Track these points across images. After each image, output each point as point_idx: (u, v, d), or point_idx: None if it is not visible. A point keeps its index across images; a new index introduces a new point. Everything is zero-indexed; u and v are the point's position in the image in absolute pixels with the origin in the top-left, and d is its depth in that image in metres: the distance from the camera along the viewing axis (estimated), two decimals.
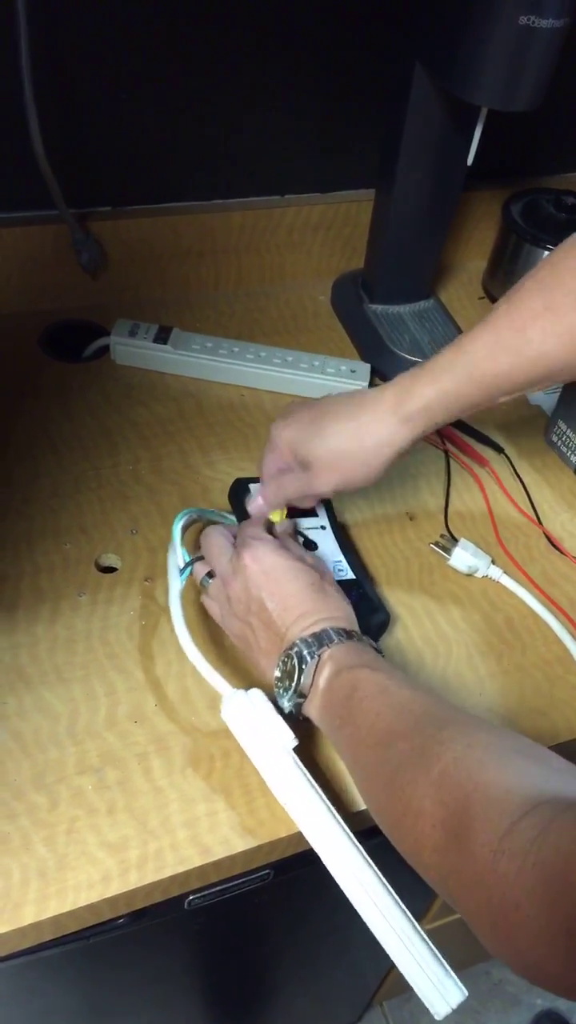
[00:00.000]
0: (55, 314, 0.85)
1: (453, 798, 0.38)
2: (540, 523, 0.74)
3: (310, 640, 0.50)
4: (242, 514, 0.66)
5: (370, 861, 0.46)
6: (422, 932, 0.43)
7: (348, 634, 0.51)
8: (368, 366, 0.83)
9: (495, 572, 0.68)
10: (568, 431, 0.79)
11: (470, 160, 0.75)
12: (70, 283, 0.85)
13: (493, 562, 0.69)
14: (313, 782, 0.49)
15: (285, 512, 0.64)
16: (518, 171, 1.00)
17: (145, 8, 0.71)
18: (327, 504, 0.68)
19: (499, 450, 0.79)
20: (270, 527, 0.62)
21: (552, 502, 0.77)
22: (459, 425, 0.80)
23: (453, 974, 0.43)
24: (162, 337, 0.81)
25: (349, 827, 0.48)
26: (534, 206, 0.94)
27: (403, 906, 0.44)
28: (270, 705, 0.52)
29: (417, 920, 0.45)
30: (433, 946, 0.43)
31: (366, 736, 0.45)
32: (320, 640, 0.50)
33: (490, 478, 0.77)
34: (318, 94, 0.83)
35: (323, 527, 0.66)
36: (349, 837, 0.47)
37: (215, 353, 0.81)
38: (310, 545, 0.65)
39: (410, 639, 0.64)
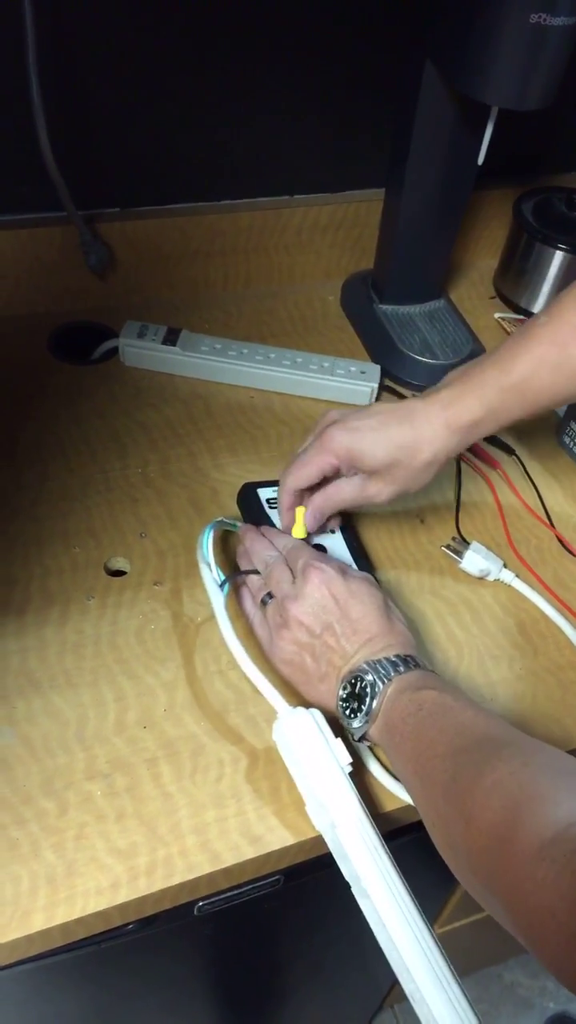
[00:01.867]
0: (63, 316, 0.85)
1: (503, 806, 0.39)
2: (552, 525, 0.73)
3: (378, 666, 0.51)
4: (253, 520, 0.65)
5: (415, 899, 0.46)
6: (457, 976, 0.43)
7: (415, 661, 0.52)
8: (378, 367, 0.83)
9: (507, 575, 0.68)
10: None
11: (481, 159, 0.75)
12: (78, 285, 0.84)
13: (505, 565, 0.68)
14: (366, 808, 0.49)
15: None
16: (529, 170, 0.99)
17: (153, 9, 0.71)
18: None
19: (510, 452, 0.79)
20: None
21: (564, 504, 0.76)
22: None
23: (480, 1020, 0.42)
24: (171, 339, 0.80)
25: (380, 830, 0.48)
26: (546, 205, 0.93)
27: (442, 948, 0.44)
28: (328, 726, 0.52)
29: (429, 924, 0.45)
30: (466, 990, 0.43)
31: (426, 750, 0.46)
32: (389, 667, 0.51)
33: (501, 480, 0.77)
34: (327, 94, 0.82)
35: (333, 531, 0.66)
36: (398, 872, 0.47)
37: (224, 355, 0.81)
38: (320, 549, 0.64)
39: (420, 643, 0.63)
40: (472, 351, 0.86)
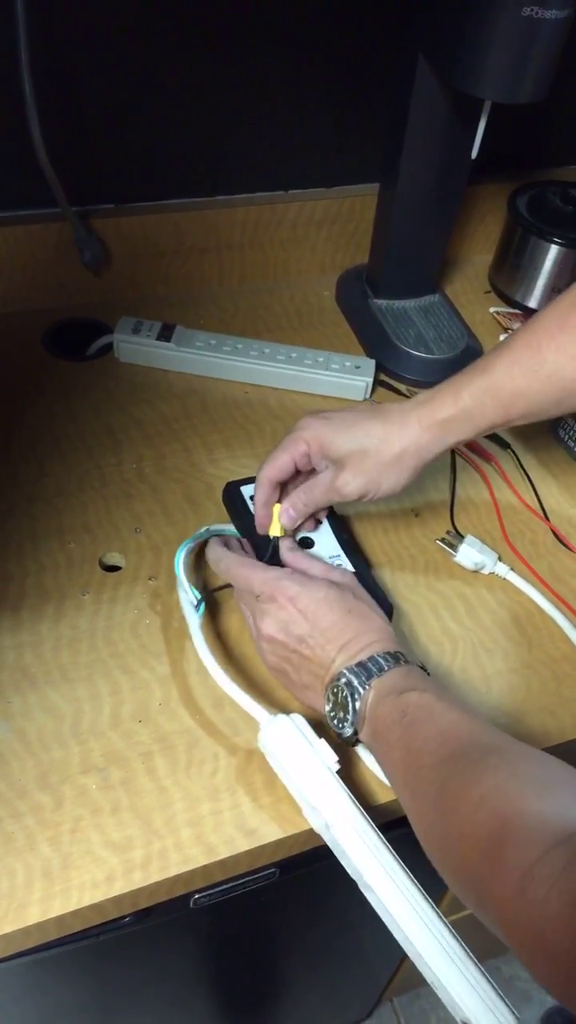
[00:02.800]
0: (58, 312, 0.85)
1: (490, 819, 0.39)
2: (547, 519, 0.74)
3: (358, 670, 0.51)
4: (238, 517, 0.65)
5: (420, 887, 0.46)
6: (474, 957, 0.44)
7: (394, 657, 0.52)
8: (373, 362, 0.83)
9: (501, 569, 0.68)
10: None
11: (474, 153, 0.75)
12: (73, 281, 0.84)
13: (500, 559, 0.68)
14: (358, 803, 0.49)
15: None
16: (524, 164, 0.99)
17: (146, 4, 0.71)
18: None
19: (505, 446, 0.79)
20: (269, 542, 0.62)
21: (559, 497, 0.76)
22: None
23: (504, 998, 0.43)
24: (165, 334, 0.80)
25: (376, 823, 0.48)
26: (540, 199, 0.93)
27: (455, 932, 0.44)
28: (311, 728, 0.52)
29: (438, 910, 0.45)
30: (485, 971, 0.43)
31: (413, 760, 0.46)
32: (369, 670, 0.51)
33: (496, 474, 0.77)
34: (321, 88, 0.82)
35: (319, 522, 0.66)
36: (399, 862, 0.47)
37: (219, 350, 0.81)
38: (306, 543, 0.64)
39: (415, 636, 0.64)
40: (467, 345, 0.86)
